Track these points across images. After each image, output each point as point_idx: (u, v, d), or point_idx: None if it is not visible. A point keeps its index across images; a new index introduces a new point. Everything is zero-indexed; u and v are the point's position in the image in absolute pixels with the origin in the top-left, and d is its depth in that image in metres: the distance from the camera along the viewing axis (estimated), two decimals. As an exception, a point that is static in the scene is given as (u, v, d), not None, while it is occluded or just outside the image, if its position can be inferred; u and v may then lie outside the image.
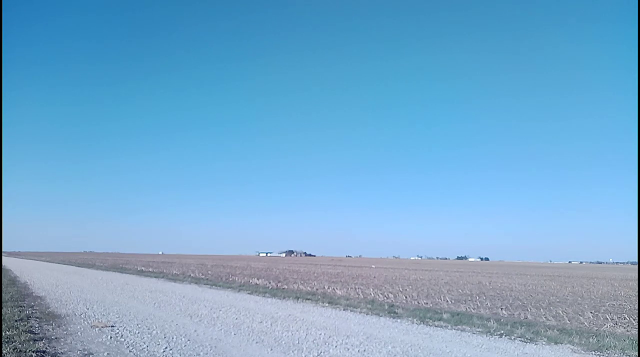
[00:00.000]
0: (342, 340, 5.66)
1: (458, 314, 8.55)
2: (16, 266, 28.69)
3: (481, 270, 45.08)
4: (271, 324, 6.77)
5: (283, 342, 5.42)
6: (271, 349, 5.03)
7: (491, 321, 7.74)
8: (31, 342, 4.88)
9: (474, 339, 6.07)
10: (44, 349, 4.65)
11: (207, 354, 4.72)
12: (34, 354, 4.38)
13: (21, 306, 8.01)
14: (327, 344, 5.40)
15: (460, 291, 14.99)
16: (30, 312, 7.44)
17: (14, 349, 4.47)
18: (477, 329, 6.95)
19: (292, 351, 4.95)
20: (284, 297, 11.11)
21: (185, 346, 5.10)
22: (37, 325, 6.19)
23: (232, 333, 5.97)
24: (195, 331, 6.10)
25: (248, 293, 12.25)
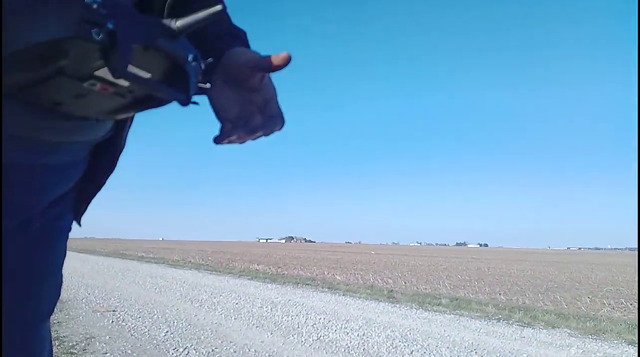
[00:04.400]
0: (342, 324, 5.72)
1: (456, 299, 8.62)
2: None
3: (480, 256, 45.32)
4: (271, 309, 6.83)
5: (283, 327, 5.47)
6: (271, 333, 5.08)
7: (489, 305, 7.80)
8: (33, 327, 4.92)
9: (472, 324, 6.13)
10: (47, 333, 4.68)
11: (207, 338, 4.77)
12: (36, 338, 4.42)
13: (23, 291, 8.03)
14: (326, 328, 5.46)
15: (459, 276, 15.09)
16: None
17: (16, 333, 4.51)
18: (476, 314, 7.02)
19: (292, 335, 5.00)
20: (283, 283, 11.18)
21: (186, 330, 5.15)
22: (39, 310, 6.22)
23: (233, 318, 6.02)
24: (195, 315, 6.15)
25: (248, 279, 12.32)
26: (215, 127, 0.59)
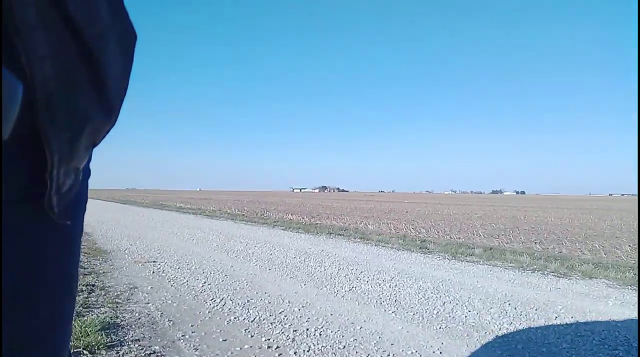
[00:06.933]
0: (374, 275, 5.79)
1: (491, 249, 8.57)
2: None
3: (516, 204, 44.64)
4: (304, 260, 6.97)
5: (316, 278, 5.58)
6: (304, 284, 5.20)
7: (524, 255, 7.72)
8: (81, 277, 5.19)
9: (505, 274, 6.09)
10: (93, 282, 4.94)
11: (243, 289, 4.92)
12: (84, 288, 4.67)
13: (70, 243, 8.42)
14: (359, 279, 5.54)
15: (493, 225, 14.94)
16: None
17: (65, 284, 4.77)
18: (510, 264, 6.96)
19: (325, 286, 5.10)
20: (317, 233, 11.36)
21: (222, 280, 5.33)
22: (85, 260, 6.54)
23: (267, 269, 6.19)
24: (231, 266, 6.35)
25: (282, 229, 12.57)
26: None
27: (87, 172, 0.71)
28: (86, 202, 0.75)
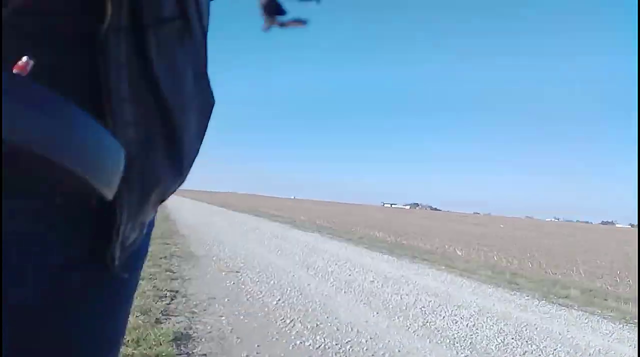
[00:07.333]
0: (452, 311, 5.52)
1: (590, 291, 7.80)
2: (170, 202, 32.60)
3: (630, 238, 40.19)
4: (382, 285, 6.85)
5: (390, 307, 5.46)
6: (377, 313, 5.10)
7: (630, 304, 6.91)
8: (168, 281, 5.57)
9: (603, 325, 5.48)
10: (177, 289, 5.28)
11: (315, 311, 4.96)
12: (168, 293, 5.00)
13: (167, 243, 9.04)
14: (435, 313, 5.32)
15: (598, 262, 13.59)
16: (174, 250, 8.36)
17: (153, 287, 5.15)
18: (610, 313, 6.26)
19: (397, 317, 4.97)
20: (400, 255, 11.12)
21: (296, 299, 5.41)
22: (176, 264, 6.99)
23: (343, 291, 6.17)
24: (308, 284, 6.42)
25: (365, 247, 12.49)
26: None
27: (151, 226, 0.71)
28: (146, 255, 0.73)
